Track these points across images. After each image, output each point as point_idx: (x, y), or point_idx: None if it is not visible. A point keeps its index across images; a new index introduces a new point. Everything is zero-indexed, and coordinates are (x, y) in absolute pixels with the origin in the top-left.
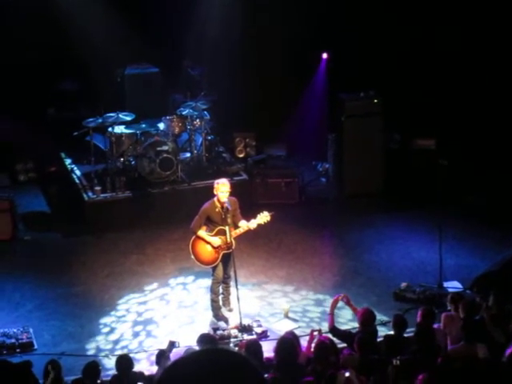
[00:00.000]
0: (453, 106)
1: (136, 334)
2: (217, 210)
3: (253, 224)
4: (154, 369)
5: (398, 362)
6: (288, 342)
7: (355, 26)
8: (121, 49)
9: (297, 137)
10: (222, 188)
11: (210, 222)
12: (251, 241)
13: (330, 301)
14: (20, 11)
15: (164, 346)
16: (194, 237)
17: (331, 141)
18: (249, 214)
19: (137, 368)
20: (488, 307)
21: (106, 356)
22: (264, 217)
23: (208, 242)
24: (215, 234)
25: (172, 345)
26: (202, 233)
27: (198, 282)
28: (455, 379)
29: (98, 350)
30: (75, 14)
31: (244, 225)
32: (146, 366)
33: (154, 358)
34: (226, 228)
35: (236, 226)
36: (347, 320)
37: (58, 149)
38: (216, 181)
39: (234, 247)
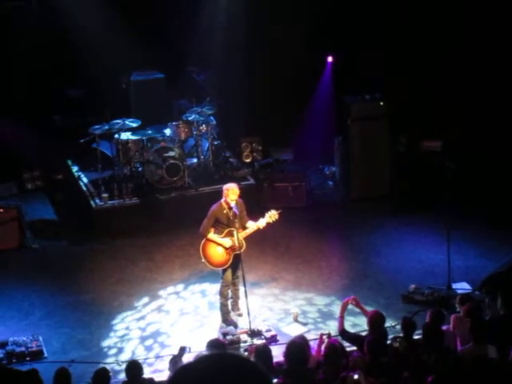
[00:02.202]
0: (459, 107)
1: (146, 342)
2: (224, 211)
3: (262, 223)
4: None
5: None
6: (298, 347)
7: (360, 28)
8: (126, 55)
9: (303, 141)
10: (232, 196)
11: (217, 224)
12: (259, 245)
13: (338, 304)
14: (26, 19)
15: (176, 352)
16: (204, 240)
17: (338, 144)
18: (256, 218)
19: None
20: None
21: (116, 362)
22: (272, 215)
23: (219, 244)
24: (224, 236)
25: (183, 350)
26: (213, 235)
27: (197, 287)
28: (465, 380)
29: (108, 356)
30: (80, 21)
31: (253, 224)
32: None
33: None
34: (234, 231)
35: (244, 228)
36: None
37: (64, 156)
38: (225, 186)
39: (244, 248)
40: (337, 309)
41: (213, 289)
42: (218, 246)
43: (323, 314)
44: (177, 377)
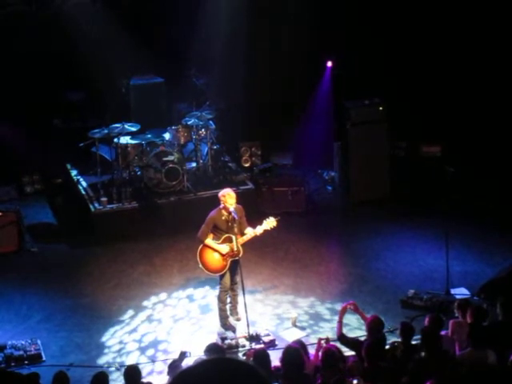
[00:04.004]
0: (458, 112)
1: (145, 343)
2: (223, 218)
3: (259, 230)
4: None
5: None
6: (294, 351)
7: (359, 33)
8: (126, 59)
9: (302, 145)
10: (230, 201)
11: (216, 230)
12: (258, 250)
13: (337, 308)
14: (27, 22)
15: (176, 357)
16: (201, 245)
17: (337, 149)
18: (255, 223)
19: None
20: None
21: (115, 367)
22: (270, 222)
23: (216, 250)
24: (222, 242)
25: (183, 355)
26: (210, 241)
27: (196, 291)
28: None
29: (107, 360)
30: (81, 25)
31: (251, 231)
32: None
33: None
34: (233, 237)
35: (242, 234)
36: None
37: (63, 160)
38: (221, 192)
39: (241, 254)
40: (336, 313)
41: (212, 292)
42: (214, 252)
43: (321, 318)
44: (176, 381)
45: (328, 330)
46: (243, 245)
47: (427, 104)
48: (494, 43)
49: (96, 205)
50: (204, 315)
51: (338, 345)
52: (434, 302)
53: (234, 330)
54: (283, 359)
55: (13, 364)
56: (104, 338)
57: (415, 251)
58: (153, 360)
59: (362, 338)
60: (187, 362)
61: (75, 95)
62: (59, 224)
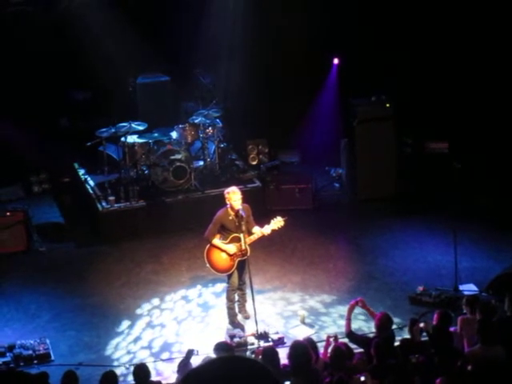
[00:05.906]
0: (465, 108)
1: (154, 343)
2: (230, 217)
3: (267, 229)
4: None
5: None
6: (301, 347)
7: (365, 30)
8: (132, 58)
9: (309, 143)
10: (234, 197)
11: (224, 230)
12: (266, 247)
13: (345, 305)
14: (33, 21)
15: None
16: (208, 245)
17: (344, 146)
18: (263, 221)
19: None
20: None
21: (124, 366)
22: (278, 222)
23: (223, 250)
24: (229, 242)
25: (191, 353)
26: (217, 241)
27: (204, 289)
28: (473, 382)
29: (116, 359)
30: (87, 24)
31: (258, 231)
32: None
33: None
34: (241, 235)
35: (250, 233)
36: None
37: (71, 159)
38: (226, 190)
39: (248, 254)
40: (344, 310)
41: (220, 290)
42: (222, 252)
43: (330, 315)
44: (187, 380)
45: (332, 324)
46: (250, 244)
47: (434, 100)
48: (503, 39)
49: (103, 204)
50: (217, 313)
51: (347, 341)
52: (442, 299)
53: (242, 328)
54: (290, 355)
55: (22, 363)
56: (113, 337)
57: (423, 248)
58: (162, 359)
59: (371, 335)
60: (195, 360)
61: (82, 94)
62: (67, 223)
